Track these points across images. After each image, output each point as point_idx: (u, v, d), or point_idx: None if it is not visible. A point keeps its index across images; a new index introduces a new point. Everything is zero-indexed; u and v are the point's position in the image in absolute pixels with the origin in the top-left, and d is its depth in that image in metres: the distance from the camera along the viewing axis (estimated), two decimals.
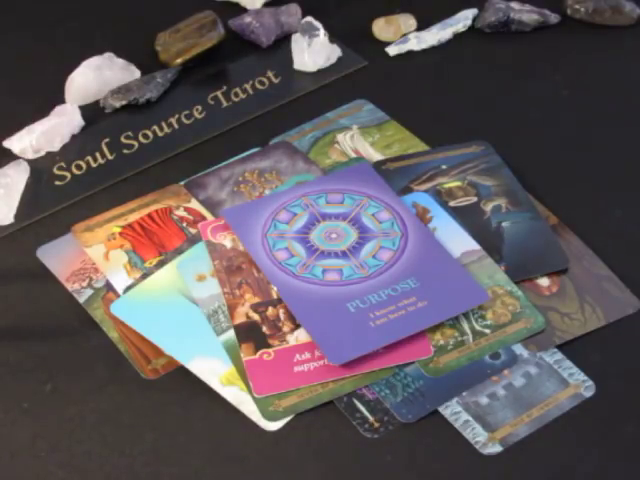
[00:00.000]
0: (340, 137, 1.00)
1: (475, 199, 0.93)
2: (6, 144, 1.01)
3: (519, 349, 0.82)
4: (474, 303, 0.84)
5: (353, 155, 0.98)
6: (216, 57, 1.09)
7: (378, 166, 0.96)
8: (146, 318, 0.85)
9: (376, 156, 0.97)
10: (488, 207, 0.92)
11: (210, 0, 1.16)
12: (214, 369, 0.82)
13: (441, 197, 0.93)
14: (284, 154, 0.99)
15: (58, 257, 0.91)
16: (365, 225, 0.90)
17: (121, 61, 1.08)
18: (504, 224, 0.90)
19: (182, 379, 0.82)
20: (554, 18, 1.13)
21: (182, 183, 0.97)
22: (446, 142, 0.99)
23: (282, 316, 0.84)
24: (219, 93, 1.07)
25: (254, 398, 0.80)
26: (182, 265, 0.89)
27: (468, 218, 0.91)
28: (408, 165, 0.96)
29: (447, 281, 0.85)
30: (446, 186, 0.94)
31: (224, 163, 0.99)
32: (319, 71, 1.08)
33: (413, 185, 0.94)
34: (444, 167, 0.96)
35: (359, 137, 0.99)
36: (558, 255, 0.88)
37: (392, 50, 1.11)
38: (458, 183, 0.94)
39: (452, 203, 0.92)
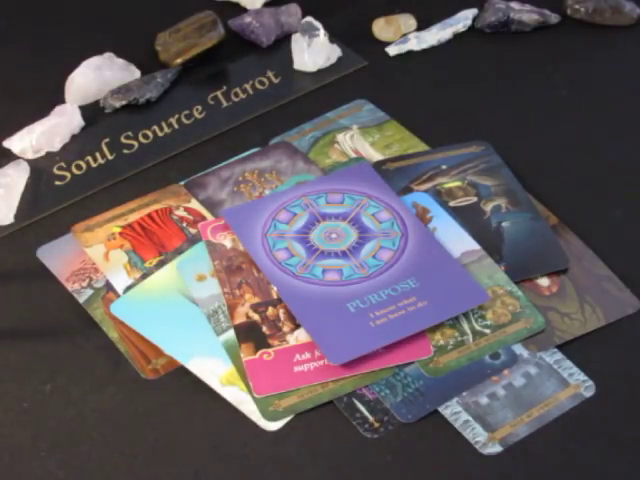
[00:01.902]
0: (340, 137, 1.00)
1: (475, 199, 0.93)
2: (6, 144, 1.01)
3: (519, 349, 0.82)
4: (474, 303, 0.84)
5: (353, 155, 0.98)
6: (216, 57, 1.09)
7: (378, 166, 0.96)
8: (146, 318, 0.85)
9: (376, 156, 0.97)
10: (488, 207, 0.92)
11: (210, 0, 1.16)
12: (214, 369, 0.82)
13: (441, 197, 0.93)
14: (284, 154, 0.99)
15: (58, 257, 0.91)
16: (365, 225, 0.90)
17: (121, 61, 1.08)
18: (504, 224, 0.90)
19: (182, 379, 0.82)
20: (554, 18, 1.13)
21: (182, 183, 0.97)
22: (446, 142, 0.99)
23: (282, 316, 0.84)
24: (219, 93, 1.07)
25: (254, 398, 0.80)
26: (182, 265, 0.89)
27: (468, 218, 0.91)
28: (408, 165, 0.96)
29: (447, 281, 0.85)
30: (446, 186, 0.94)
31: (224, 163, 0.99)
32: (319, 71, 1.08)
33: (413, 185, 0.94)
34: (444, 167, 0.96)
35: (359, 137, 0.99)
36: (558, 255, 0.88)
37: (392, 50, 1.11)
38: (458, 183, 0.94)
39: (452, 203, 0.92)
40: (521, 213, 0.91)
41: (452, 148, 0.98)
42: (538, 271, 0.87)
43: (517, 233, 0.90)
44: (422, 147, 0.98)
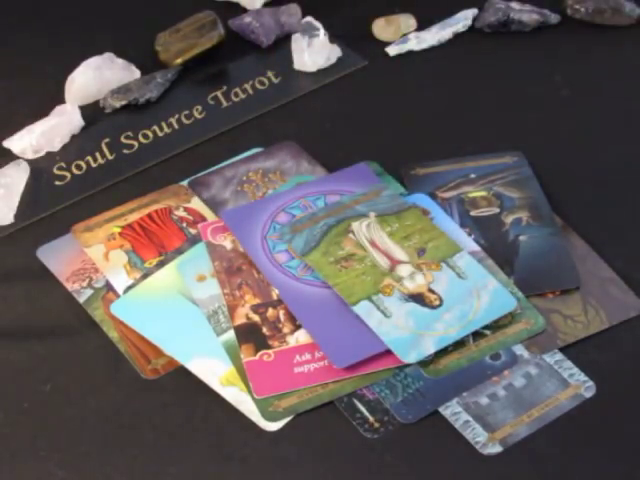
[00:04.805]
0: (355, 226, 0.89)
1: (497, 210, 0.92)
2: (6, 144, 1.01)
3: (519, 350, 0.82)
4: None
5: (368, 246, 0.87)
6: (216, 57, 1.09)
7: (407, 171, 0.96)
8: (146, 318, 0.85)
9: (395, 249, 0.87)
10: (509, 219, 0.91)
11: (210, 0, 1.16)
12: (214, 369, 0.82)
13: (464, 206, 0.92)
14: (288, 154, 0.99)
15: (58, 257, 0.91)
16: None
17: (121, 61, 1.08)
18: (521, 237, 0.89)
19: (182, 379, 0.82)
20: (554, 18, 1.13)
21: (186, 181, 0.97)
22: (443, 142, 0.99)
23: (282, 317, 0.84)
24: (219, 93, 1.07)
25: (254, 399, 0.80)
26: (182, 265, 0.89)
27: (486, 228, 0.90)
28: (437, 172, 0.95)
29: None
30: (470, 195, 0.93)
31: (228, 162, 0.98)
32: (319, 71, 1.08)
33: (438, 192, 0.93)
34: (473, 176, 0.95)
35: (376, 226, 0.89)
36: (571, 274, 0.87)
37: (392, 50, 1.11)
38: (483, 193, 0.93)
39: (473, 213, 0.92)
40: (541, 228, 0.90)
41: (484, 157, 0.97)
42: (547, 287, 0.86)
43: (533, 248, 0.89)
44: (445, 239, 0.88)
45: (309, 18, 1.09)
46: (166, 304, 0.86)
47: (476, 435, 0.78)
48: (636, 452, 0.77)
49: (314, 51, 1.07)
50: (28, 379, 0.83)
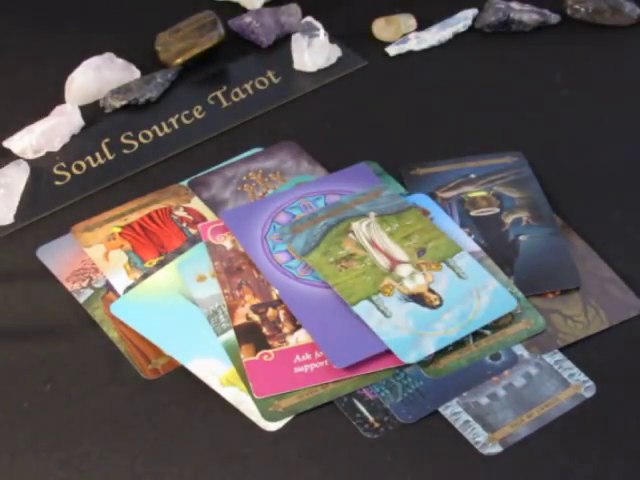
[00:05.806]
0: (355, 225, 0.89)
1: (497, 210, 0.92)
2: (6, 144, 1.01)
3: (519, 350, 0.82)
4: None
5: (368, 246, 0.88)
6: (216, 57, 1.10)
7: (407, 171, 0.96)
8: (146, 318, 0.85)
9: (395, 249, 0.87)
10: (509, 219, 0.91)
11: (210, 0, 1.16)
12: (214, 369, 0.82)
13: (463, 206, 0.92)
14: (289, 154, 0.99)
15: (58, 257, 0.91)
16: None
17: (121, 61, 1.08)
18: (521, 237, 0.89)
19: (182, 379, 0.82)
20: (554, 18, 1.13)
21: (186, 181, 0.97)
22: (443, 142, 0.99)
23: (282, 317, 0.84)
24: (219, 93, 1.07)
25: (254, 399, 0.80)
26: (182, 265, 0.89)
27: (486, 228, 0.90)
28: (437, 172, 0.95)
29: None
30: (471, 195, 0.93)
31: (228, 162, 0.98)
32: (319, 71, 1.08)
33: (438, 192, 0.93)
34: (473, 176, 0.95)
35: (376, 226, 0.89)
36: (571, 274, 0.87)
37: (392, 50, 1.11)
38: (483, 193, 0.93)
39: (473, 213, 0.91)
40: (541, 228, 0.90)
41: (485, 157, 0.97)
42: (547, 288, 0.86)
43: (533, 248, 0.89)
44: (445, 239, 0.88)
45: (309, 18, 1.09)
46: (166, 304, 0.86)
47: (476, 435, 0.78)
48: (636, 452, 0.77)
49: (314, 51, 1.07)
50: (28, 379, 0.83)
